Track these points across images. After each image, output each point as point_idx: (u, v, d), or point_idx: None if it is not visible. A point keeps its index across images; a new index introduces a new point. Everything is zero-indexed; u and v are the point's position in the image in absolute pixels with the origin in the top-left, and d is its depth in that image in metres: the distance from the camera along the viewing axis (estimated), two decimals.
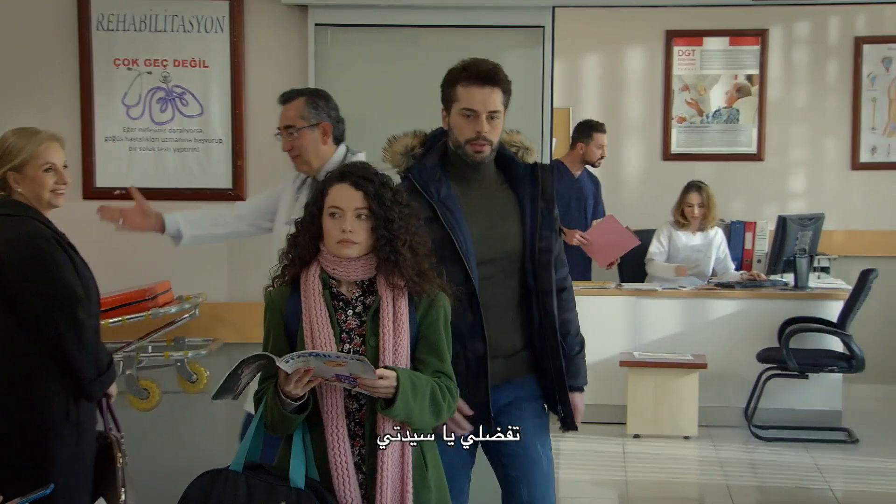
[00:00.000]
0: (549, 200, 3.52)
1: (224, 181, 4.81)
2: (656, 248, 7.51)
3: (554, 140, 5.11)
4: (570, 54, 7.75)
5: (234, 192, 4.78)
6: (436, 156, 3.50)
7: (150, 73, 4.75)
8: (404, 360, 3.13)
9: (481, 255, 3.43)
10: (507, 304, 3.51)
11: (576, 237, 7.24)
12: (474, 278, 3.40)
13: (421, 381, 3.09)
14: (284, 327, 3.20)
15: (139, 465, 4.65)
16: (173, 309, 4.49)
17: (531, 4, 4.72)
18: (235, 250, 4.79)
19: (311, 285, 3.17)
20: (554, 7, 4.72)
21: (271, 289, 3.25)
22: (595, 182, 7.73)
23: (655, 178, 8.28)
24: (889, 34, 7.91)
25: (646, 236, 7.52)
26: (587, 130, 7.45)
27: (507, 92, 3.43)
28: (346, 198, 3.12)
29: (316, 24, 4.73)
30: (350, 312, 3.17)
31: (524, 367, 3.57)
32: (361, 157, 4.18)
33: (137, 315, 4.32)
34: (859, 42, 7.97)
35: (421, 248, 3.19)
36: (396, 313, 3.14)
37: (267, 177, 4.75)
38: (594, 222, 7.48)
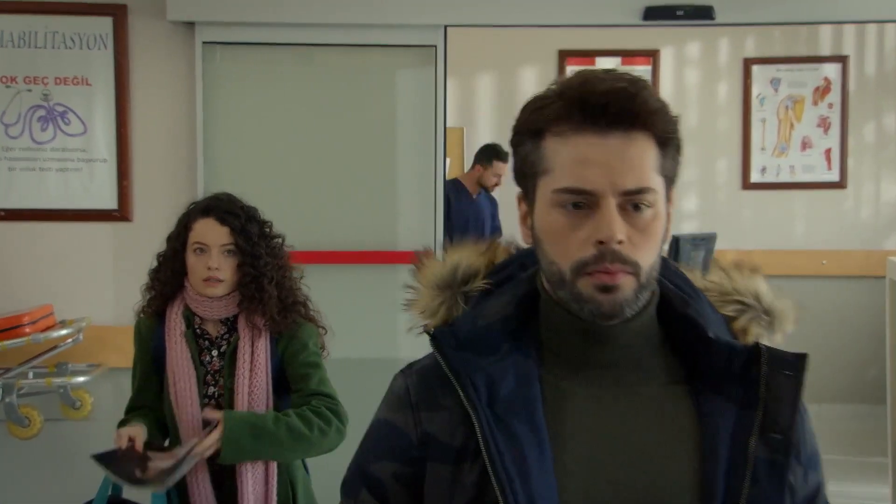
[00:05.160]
0: (783, 442, 1.49)
1: (109, 202, 4.66)
2: None
3: (448, 160, 5.08)
4: (463, 74, 7.74)
5: (120, 214, 4.65)
6: (508, 302, 1.60)
7: (29, 90, 4.60)
8: (261, 402, 3.07)
9: None
10: None
11: None
12: None
13: (262, 418, 3.01)
14: (153, 360, 3.14)
15: (19, 496, 4.52)
16: (55, 333, 4.35)
17: (423, 24, 4.68)
18: (122, 272, 4.66)
19: (174, 325, 3.10)
20: (446, 27, 4.69)
21: (141, 316, 3.18)
22: (493, 203, 7.72)
23: None
24: (777, 55, 8.05)
25: None
26: (489, 156, 7.42)
27: (668, 142, 1.51)
28: (212, 233, 3.06)
29: (204, 42, 4.64)
30: (215, 353, 3.11)
31: None
32: None
33: (16, 340, 4.18)
34: (748, 63, 8.09)
35: (287, 281, 3.14)
36: (254, 354, 3.08)
37: (154, 197, 4.65)
38: None
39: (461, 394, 1.50)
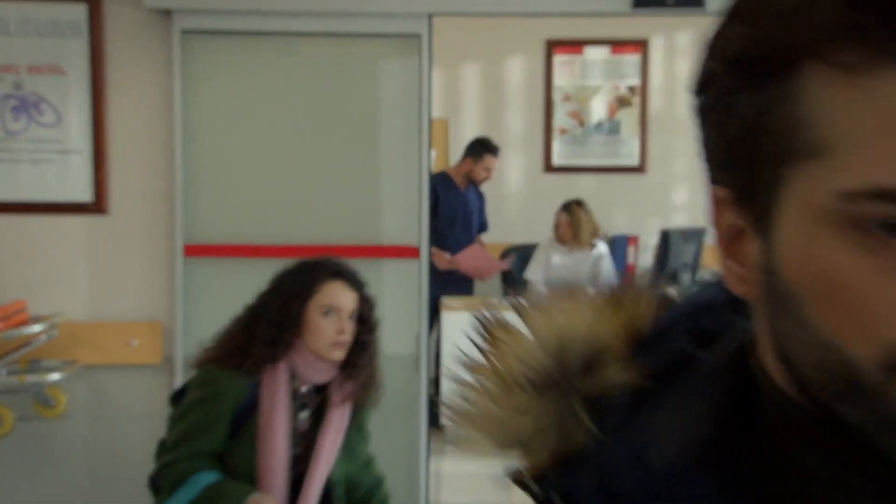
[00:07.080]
0: None
1: (85, 194, 4.54)
2: (533, 269, 7.32)
3: (433, 152, 4.98)
4: (448, 64, 7.62)
5: (96, 206, 4.53)
6: (701, 412, 0.75)
7: (2, 79, 4.48)
8: (331, 464, 3.09)
9: None
10: None
11: (445, 260, 7.06)
12: None
13: None
14: (231, 417, 3.00)
15: None
16: (29, 330, 4.26)
17: (407, 12, 4.58)
18: (97, 266, 4.56)
19: (279, 388, 2.98)
20: (430, 15, 4.59)
21: (216, 368, 3.01)
22: (480, 197, 7.61)
23: (537, 191, 8.13)
24: None
25: (528, 251, 7.41)
26: (479, 149, 7.32)
27: None
28: (344, 298, 3.03)
29: (182, 30, 4.52)
30: (305, 414, 3.08)
31: None
32: None
33: None
34: None
35: (378, 357, 3.17)
36: (340, 420, 3.09)
37: (131, 189, 4.55)
38: (463, 250, 7.30)
39: None
